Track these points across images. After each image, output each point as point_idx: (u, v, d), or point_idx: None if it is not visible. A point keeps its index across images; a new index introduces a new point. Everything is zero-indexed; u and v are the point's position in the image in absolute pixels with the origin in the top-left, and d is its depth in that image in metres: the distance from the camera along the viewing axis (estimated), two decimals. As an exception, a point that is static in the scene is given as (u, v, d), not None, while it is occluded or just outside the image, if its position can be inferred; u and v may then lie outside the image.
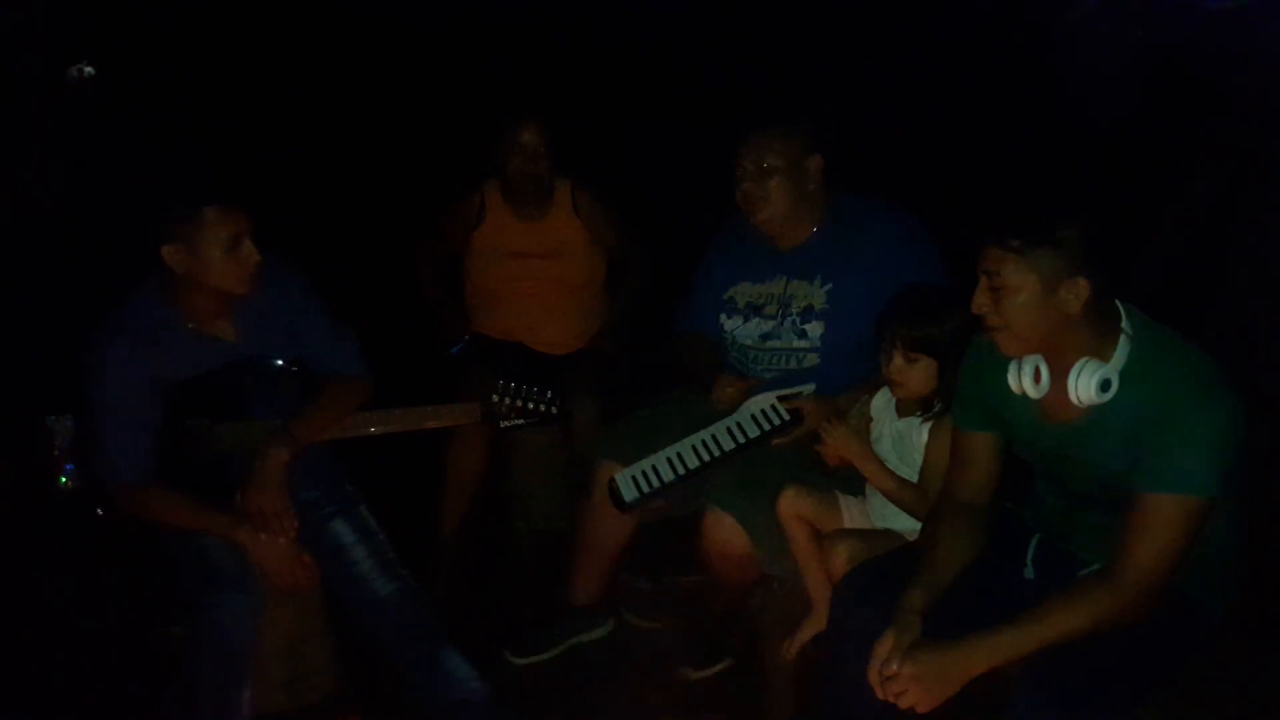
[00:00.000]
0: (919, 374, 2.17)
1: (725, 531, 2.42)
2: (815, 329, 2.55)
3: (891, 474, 2.19)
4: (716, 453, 2.42)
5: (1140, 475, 1.72)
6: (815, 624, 2.30)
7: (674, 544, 3.01)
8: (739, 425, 2.45)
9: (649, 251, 3.28)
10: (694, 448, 2.45)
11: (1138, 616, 1.72)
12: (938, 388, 2.18)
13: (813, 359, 2.55)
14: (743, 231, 2.67)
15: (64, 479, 2.22)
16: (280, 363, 2.28)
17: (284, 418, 2.24)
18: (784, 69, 3.98)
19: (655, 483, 2.42)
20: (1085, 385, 1.75)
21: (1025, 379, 1.83)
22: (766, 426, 2.42)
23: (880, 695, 1.79)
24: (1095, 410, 1.79)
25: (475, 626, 2.81)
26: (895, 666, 1.76)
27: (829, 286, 2.54)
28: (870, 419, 2.37)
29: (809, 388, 2.49)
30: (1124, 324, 1.78)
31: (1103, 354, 1.77)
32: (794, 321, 2.56)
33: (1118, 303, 1.80)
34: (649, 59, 4.04)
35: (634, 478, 2.45)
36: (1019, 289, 1.74)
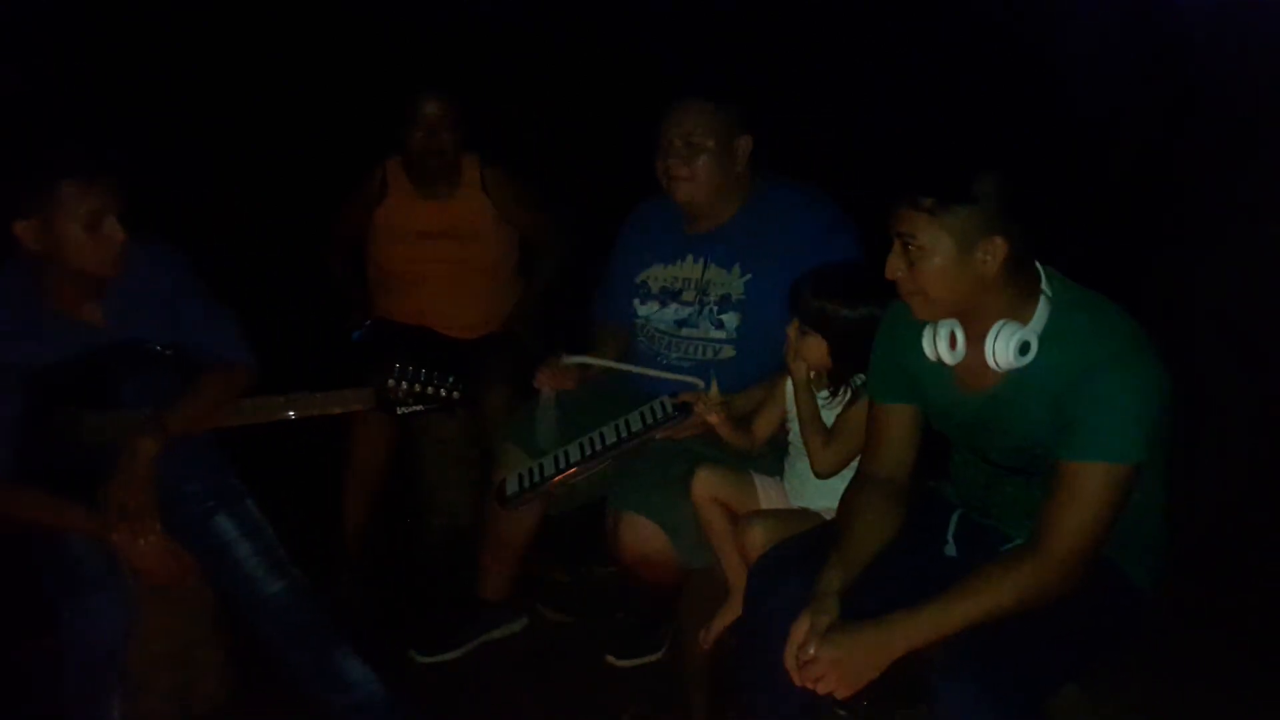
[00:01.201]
0: (810, 349, 2.09)
1: (641, 535, 2.28)
2: (732, 320, 2.43)
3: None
4: (599, 447, 2.29)
5: (1063, 443, 1.64)
6: (732, 611, 2.20)
7: (588, 535, 2.91)
8: (625, 421, 2.33)
9: (565, 230, 3.15)
10: (579, 444, 2.33)
11: (1065, 591, 1.64)
12: (831, 369, 2.10)
13: (729, 351, 2.44)
14: (656, 212, 2.56)
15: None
16: (155, 348, 2.11)
17: (158, 406, 2.07)
18: (712, 43, 3.87)
19: (537, 478, 2.31)
20: (1003, 348, 1.66)
21: (941, 344, 1.74)
22: (651, 420, 2.31)
23: (798, 681, 1.69)
24: (1014, 376, 1.71)
25: (380, 625, 2.69)
26: (812, 650, 1.66)
27: (748, 277, 2.42)
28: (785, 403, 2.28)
29: (699, 384, 2.37)
30: (1044, 285, 1.70)
31: (1021, 316, 1.68)
32: (711, 311, 2.44)
33: (1038, 264, 1.72)
34: (568, 28, 3.91)
35: (519, 475, 2.34)
36: (933, 251, 1.65)
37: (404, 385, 2.28)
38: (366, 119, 3.19)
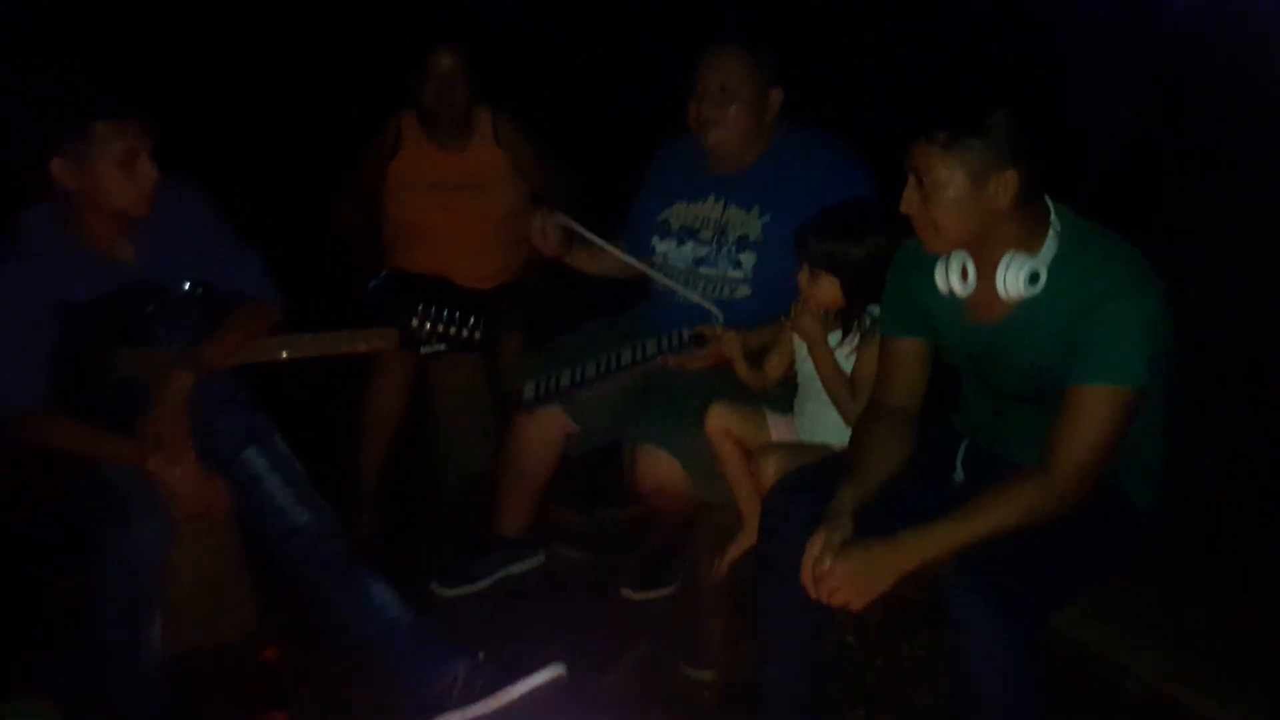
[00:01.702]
0: (822, 291, 2.16)
1: (659, 466, 2.37)
2: (749, 260, 2.49)
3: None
4: (614, 365, 2.40)
5: (1070, 369, 1.71)
6: (746, 540, 2.29)
7: (601, 481, 2.99)
8: (641, 344, 2.42)
9: (574, 183, 3.21)
10: (596, 361, 2.43)
11: (1069, 510, 1.72)
12: (844, 308, 2.17)
13: (744, 290, 2.50)
14: (681, 152, 2.62)
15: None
16: (184, 286, 2.17)
17: (188, 343, 2.13)
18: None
19: (553, 386, 2.42)
20: (1014, 278, 1.73)
21: (953, 277, 1.81)
22: (664, 346, 2.40)
23: (813, 594, 1.77)
24: (1023, 306, 1.77)
25: (400, 563, 2.75)
26: (827, 564, 1.74)
27: (766, 219, 2.49)
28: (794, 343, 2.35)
29: (714, 311, 2.45)
30: (1052, 219, 1.77)
31: (1030, 248, 1.75)
32: (729, 251, 2.51)
33: (1046, 198, 1.78)
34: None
35: (537, 382, 2.45)
36: (947, 184, 1.71)
37: (427, 325, 2.34)
38: (379, 73, 3.22)
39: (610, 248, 2.55)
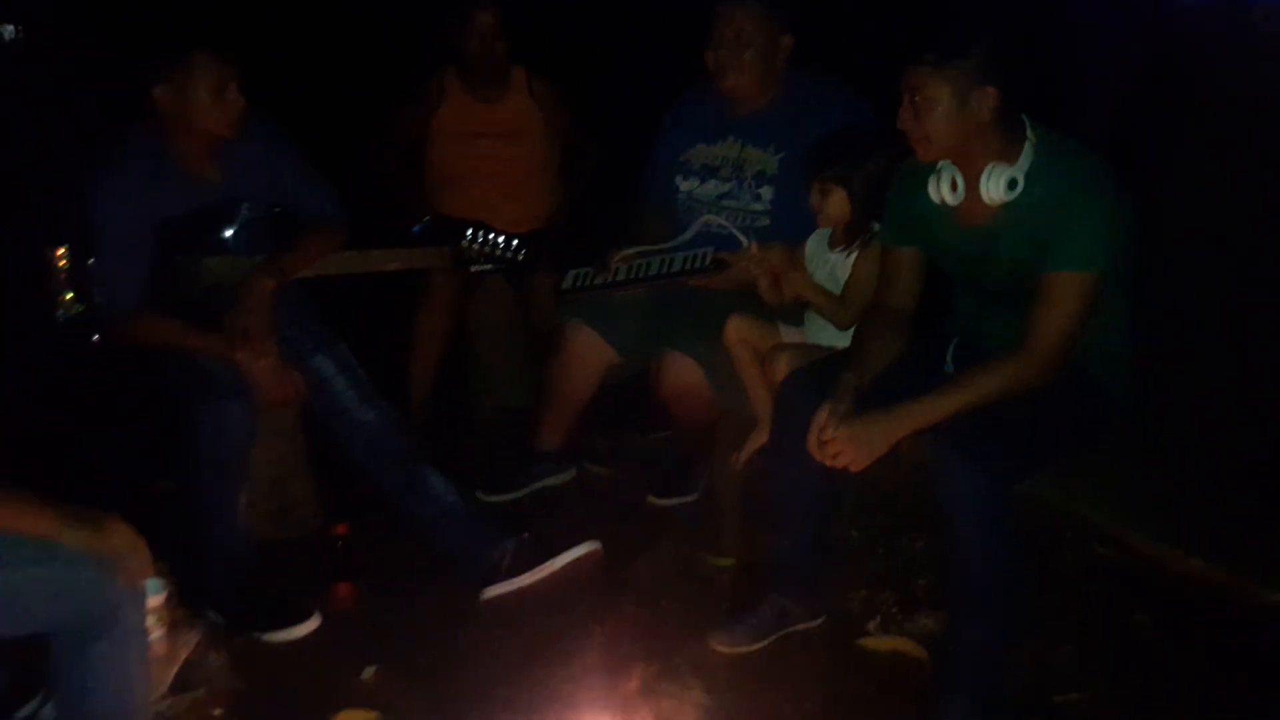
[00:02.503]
0: (833, 205, 2.44)
1: (684, 373, 2.67)
2: (767, 193, 2.77)
3: (821, 290, 2.43)
4: (642, 275, 2.70)
5: (1044, 259, 1.98)
6: (760, 437, 2.55)
7: (630, 409, 3.27)
8: (670, 260, 2.71)
9: (598, 139, 3.48)
10: (628, 268, 2.73)
11: (1042, 382, 1.98)
12: (852, 219, 2.44)
13: (765, 221, 2.78)
14: (700, 98, 2.88)
15: (63, 307, 2.37)
16: (263, 204, 2.45)
17: (266, 255, 2.41)
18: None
19: (586, 282, 2.74)
20: (995, 185, 2.00)
21: (944, 188, 2.08)
22: (689, 266, 2.68)
23: (818, 458, 2.04)
24: (1005, 210, 2.04)
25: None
26: (831, 431, 2.01)
27: (782, 155, 2.76)
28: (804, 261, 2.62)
29: (745, 241, 2.71)
30: (1028, 133, 2.03)
31: (1009, 159, 2.01)
32: (750, 185, 2.79)
33: (1024, 116, 2.04)
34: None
35: (575, 275, 2.75)
36: (936, 100, 1.98)
37: (476, 245, 2.62)
38: (422, 29, 3.49)
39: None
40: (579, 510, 2.95)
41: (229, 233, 2.43)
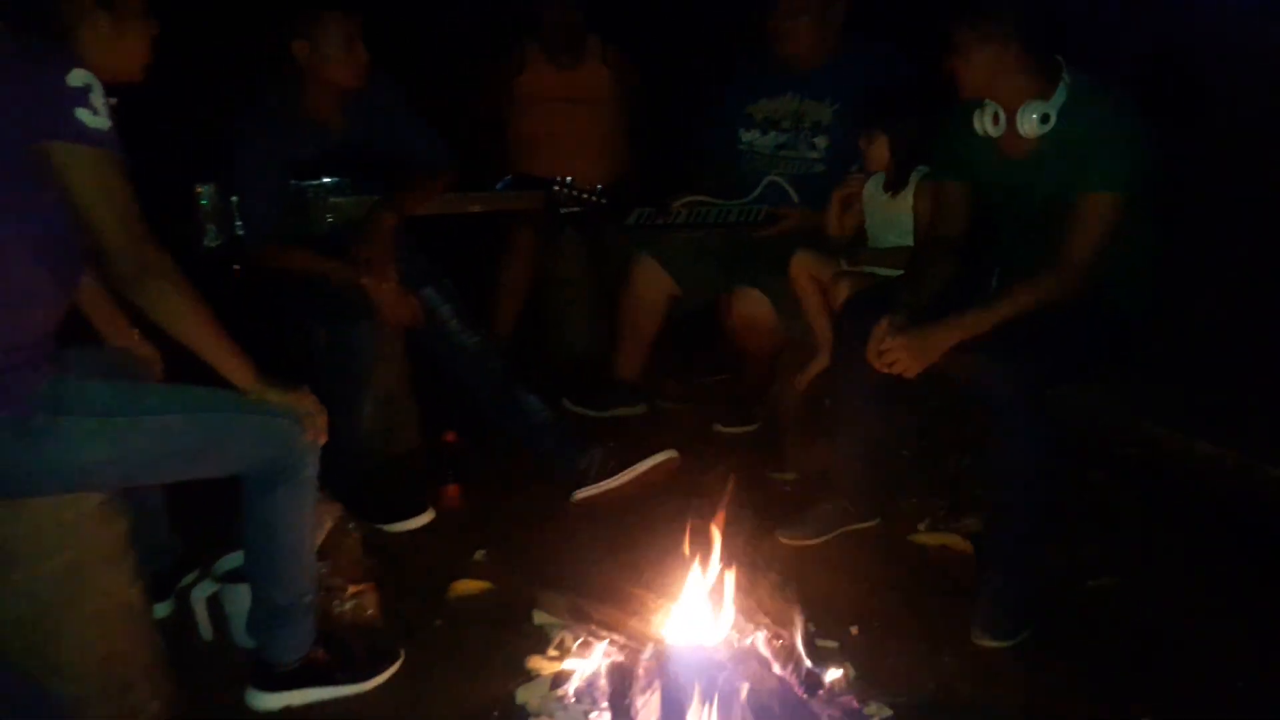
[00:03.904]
0: (876, 152, 2.74)
1: (752, 304, 2.98)
2: (822, 142, 3.07)
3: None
4: (702, 220, 3.04)
5: (1075, 183, 2.25)
6: (820, 362, 2.84)
7: (698, 353, 3.56)
8: (728, 209, 3.04)
9: (664, 105, 3.78)
10: (690, 213, 3.07)
11: (1072, 293, 2.25)
12: (894, 164, 2.73)
13: (820, 167, 3.08)
14: (762, 57, 3.18)
15: (208, 239, 2.70)
16: (381, 149, 2.77)
17: (386, 194, 2.73)
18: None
19: (647, 220, 3.08)
20: (1028, 119, 2.28)
21: (986, 121, 2.36)
22: (744, 217, 3.03)
23: (877, 366, 2.32)
24: (1041, 142, 2.31)
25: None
26: (889, 341, 2.29)
27: (836, 106, 3.06)
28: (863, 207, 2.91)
29: (794, 196, 3.07)
30: (1064, 75, 2.30)
31: (1045, 97, 2.29)
32: (807, 135, 3.08)
33: (1060, 59, 2.31)
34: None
35: (640, 212, 3.11)
36: (974, 53, 2.27)
37: (565, 190, 2.93)
38: (504, 5, 3.80)
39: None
40: (650, 436, 3.24)
41: (352, 173, 2.74)
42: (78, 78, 1.55)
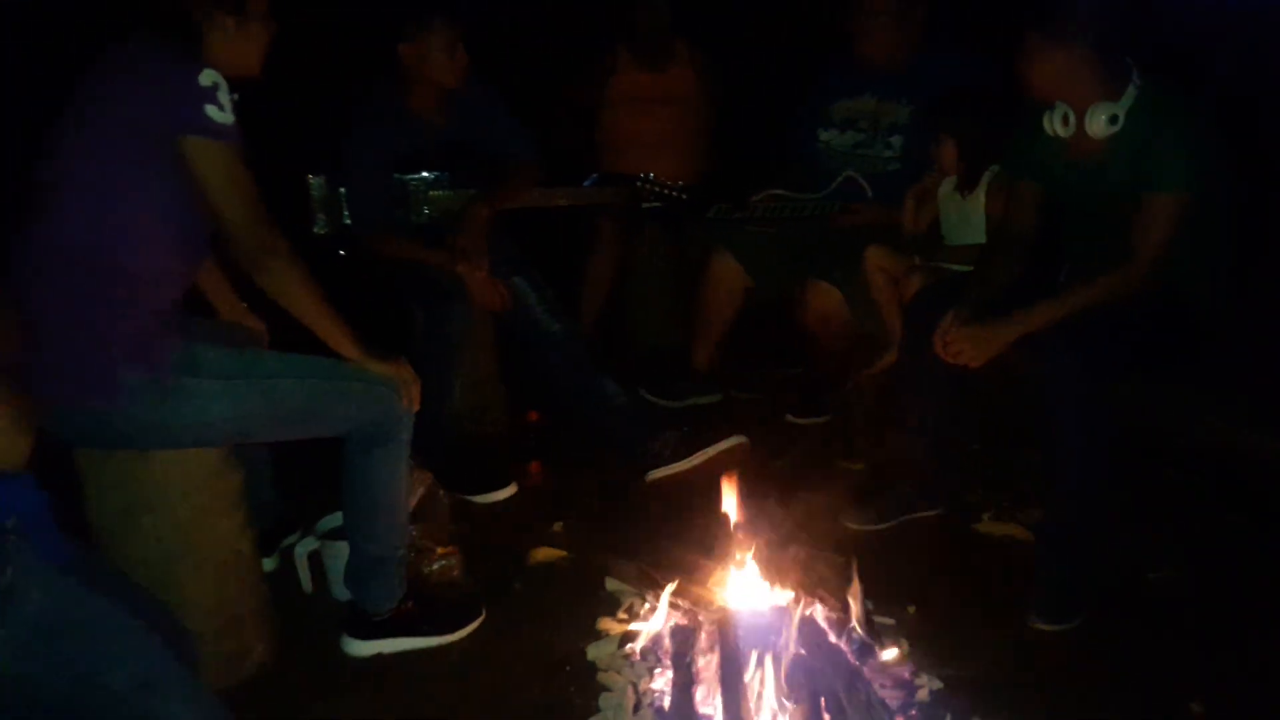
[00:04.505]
0: (947, 153, 2.82)
1: (827, 298, 3.09)
2: (898, 141, 3.16)
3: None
4: (777, 215, 3.16)
5: (1142, 183, 2.31)
6: (892, 355, 2.93)
7: (773, 345, 3.67)
8: (803, 203, 3.17)
9: (747, 106, 3.90)
10: (767, 207, 3.19)
11: (1139, 289, 2.31)
12: (964, 166, 2.82)
13: (895, 165, 3.17)
14: (842, 58, 3.28)
15: (318, 226, 2.91)
16: (477, 146, 2.95)
17: (480, 188, 2.91)
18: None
19: (725, 213, 3.21)
20: (1097, 120, 2.34)
21: (1056, 122, 2.42)
22: (819, 211, 3.15)
23: (943, 356, 2.41)
24: (1110, 143, 2.37)
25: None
26: (955, 332, 2.38)
27: (911, 108, 3.14)
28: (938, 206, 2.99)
29: (867, 191, 3.17)
30: (1134, 77, 2.36)
31: (1112, 98, 2.35)
32: (883, 135, 3.18)
33: (1129, 61, 2.37)
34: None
35: (719, 206, 3.22)
36: (1047, 58, 2.34)
37: (648, 186, 3.08)
38: (596, 7, 3.96)
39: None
40: (723, 424, 3.36)
41: (450, 168, 2.93)
42: (207, 77, 1.75)
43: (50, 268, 1.77)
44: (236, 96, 1.82)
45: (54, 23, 2.24)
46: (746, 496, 2.30)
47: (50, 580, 1.29)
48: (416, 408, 2.11)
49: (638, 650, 2.09)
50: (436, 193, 2.92)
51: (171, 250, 1.84)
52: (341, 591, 2.28)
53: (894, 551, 2.60)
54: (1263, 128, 3.08)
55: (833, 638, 2.02)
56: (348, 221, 2.91)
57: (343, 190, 2.91)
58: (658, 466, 2.90)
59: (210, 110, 1.75)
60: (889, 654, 2.05)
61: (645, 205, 3.12)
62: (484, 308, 2.85)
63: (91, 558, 1.55)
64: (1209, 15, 3.39)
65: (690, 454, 2.89)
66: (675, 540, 2.40)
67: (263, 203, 1.85)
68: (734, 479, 2.27)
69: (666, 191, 3.11)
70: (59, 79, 1.82)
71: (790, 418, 3.37)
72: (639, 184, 3.10)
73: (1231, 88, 3.25)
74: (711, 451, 2.89)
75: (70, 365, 1.77)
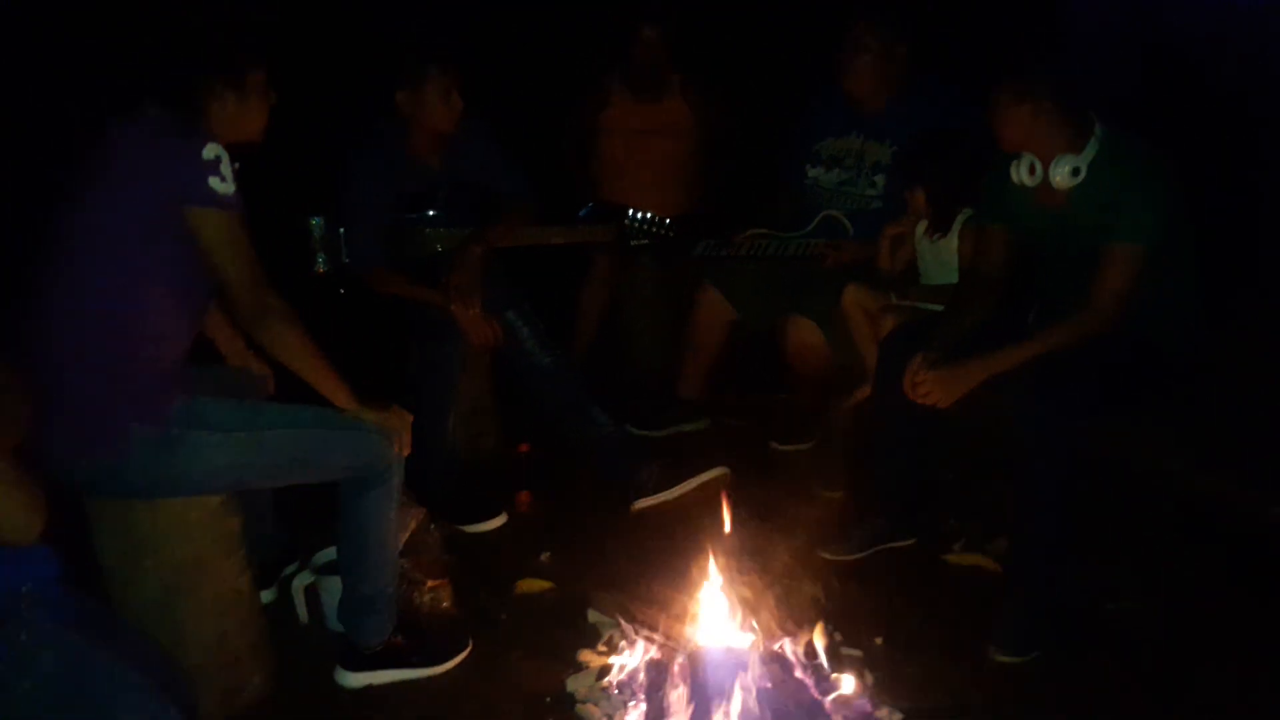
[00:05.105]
0: (917, 198, 2.94)
1: (805, 332, 3.20)
2: (881, 180, 3.27)
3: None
4: (761, 252, 3.29)
5: (1105, 234, 2.41)
6: (867, 388, 3.03)
7: (759, 373, 3.78)
8: (786, 242, 3.29)
9: (738, 137, 4.00)
10: (750, 247, 3.32)
11: (1101, 332, 2.42)
12: (934, 212, 2.93)
13: (878, 204, 3.27)
14: (829, 97, 3.38)
15: (318, 265, 3.03)
16: (471, 186, 3.07)
17: (475, 227, 3.03)
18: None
19: (713, 250, 3.35)
20: (1060, 172, 2.45)
21: (1023, 171, 2.53)
22: (800, 252, 3.28)
23: (911, 396, 2.52)
24: (1074, 193, 2.48)
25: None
26: (923, 374, 2.49)
27: (895, 148, 3.24)
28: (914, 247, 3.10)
29: (848, 228, 3.29)
30: (1096, 129, 2.46)
31: (1076, 150, 2.45)
32: (867, 174, 3.29)
33: (1093, 114, 2.47)
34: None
35: (706, 243, 3.35)
36: (1013, 113, 2.45)
37: (637, 224, 3.20)
38: (592, 40, 4.07)
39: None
40: (711, 452, 3.47)
41: (445, 208, 3.05)
42: (210, 151, 1.87)
43: (62, 331, 1.90)
44: (238, 165, 1.94)
45: (60, 94, 2.36)
46: (725, 529, 2.41)
47: (62, 642, 1.42)
48: (408, 453, 2.23)
49: (614, 683, 2.20)
50: (434, 231, 3.04)
51: (177, 311, 1.97)
52: (336, 623, 2.40)
53: (866, 582, 2.70)
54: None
55: (798, 672, 2.14)
56: (347, 261, 3.03)
57: (342, 230, 3.03)
58: (642, 496, 3.01)
59: (213, 182, 1.87)
60: (849, 687, 2.15)
61: (634, 243, 3.23)
62: (476, 345, 2.97)
63: (100, 614, 1.67)
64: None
65: (674, 484, 3.01)
66: (657, 571, 2.51)
67: (262, 265, 1.97)
68: (719, 510, 2.37)
69: (654, 229, 3.22)
70: (63, 153, 1.94)
71: (774, 445, 3.48)
72: (628, 221, 3.21)
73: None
74: (695, 482, 3.00)
75: (81, 422, 1.90)
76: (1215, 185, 2.96)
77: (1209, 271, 2.56)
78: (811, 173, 3.38)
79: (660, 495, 3.00)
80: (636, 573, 2.60)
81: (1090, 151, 2.45)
